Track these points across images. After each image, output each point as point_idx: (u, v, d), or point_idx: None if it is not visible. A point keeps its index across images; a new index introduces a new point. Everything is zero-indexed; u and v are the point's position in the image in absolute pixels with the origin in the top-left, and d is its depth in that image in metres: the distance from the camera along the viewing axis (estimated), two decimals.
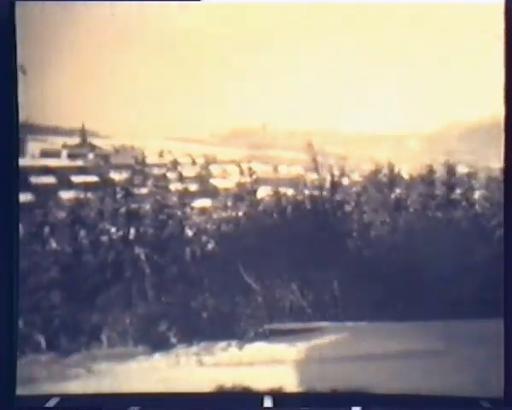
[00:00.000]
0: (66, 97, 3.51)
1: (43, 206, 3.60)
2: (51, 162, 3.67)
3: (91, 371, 3.53)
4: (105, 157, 3.63)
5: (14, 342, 3.55)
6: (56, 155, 3.70)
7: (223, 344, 3.59)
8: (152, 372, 3.57)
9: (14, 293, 3.57)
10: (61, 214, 3.62)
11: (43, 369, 3.49)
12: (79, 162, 3.71)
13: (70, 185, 3.67)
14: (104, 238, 3.59)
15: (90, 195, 3.63)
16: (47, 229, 3.59)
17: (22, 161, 3.65)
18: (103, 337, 3.56)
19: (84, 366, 3.55)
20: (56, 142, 3.68)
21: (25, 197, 3.62)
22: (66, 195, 3.65)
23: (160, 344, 3.59)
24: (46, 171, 3.64)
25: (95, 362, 3.54)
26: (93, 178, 3.67)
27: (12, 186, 3.60)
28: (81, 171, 3.70)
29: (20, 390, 3.48)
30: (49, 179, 3.63)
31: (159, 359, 3.58)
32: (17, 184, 3.59)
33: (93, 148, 3.68)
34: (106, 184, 3.62)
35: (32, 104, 3.57)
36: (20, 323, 3.49)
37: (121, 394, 3.61)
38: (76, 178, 3.69)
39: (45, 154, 3.65)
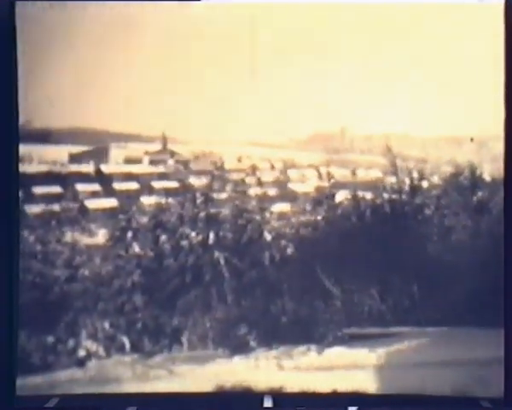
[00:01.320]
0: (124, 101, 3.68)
1: (127, 211, 3.78)
2: (134, 169, 3.86)
3: (173, 372, 3.66)
4: (185, 163, 3.80)
5: (14, 342, 3.64)
6: (138, 161, 3.89)
7: (302, 348, 3.68)
8: (231, 375, 3.67)
9: (13, 293, 3.66)
10: (143, 219, 3.79)
11: (128, 369, 3.64)
12: (160, 168, 3.88)
13: (151, 191, 3.84)
14: (184, 243, 3.74)
15: (170, 200, 3.80)
16: (130, 233, 3.77)
17: (106, 168, 3.84)
18: (184, 340, 3.70)
19: (166, 367, 3.67)
20: (138, 149, 3.86)
21: (109, 203, 3.80)
22: (147, 200, 3.82)
23: (239, 348, 3.70)
24: (129, 177, 3.82)
25: (176, 364, 3.66)
26: (173, 184, 3.84)
27: (12, 189, 3.69)
28: (162, 177, 3.87)
29: (108, 389, 3.64)
30: (132, 185, 3.82)
31: (238, 362, 3.69)
32: (17, 184, 3.68)
33: (173, 154, 3.85)
34: (186, 190, 3.77)
35: (32, 105, 3.66)
36: (106, 325, 3.66)
37: (119, 394, 3.68)
38: (157, 184, 3.86)
39: (128, 160, 3.83)
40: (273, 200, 3.83)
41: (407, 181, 3.72)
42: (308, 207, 3.80)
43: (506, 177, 3.67)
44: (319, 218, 3.78)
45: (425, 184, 3.70)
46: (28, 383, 3.52)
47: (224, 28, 3.61)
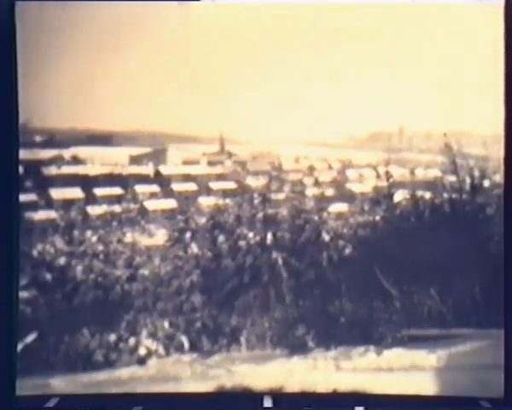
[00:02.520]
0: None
1: (185, 212, 3.91)
2: (192, 170, 3.99)
3: (231, 372, 3.77)
4: (242, 164, 3.91)
5: (14, 342, 3.71)
6: (196, 162, 4.02)
7: (361, 349, 3.73)
8: (290, 376, 3.75)
9: (13, 294, 3.74)
10: (202, 220, 3.91)
11: (187, 368, 3.76)
12: (218, 169, 4.01)
13: (209, 192, 3.97)
14: (242, 243, 3.84)
15: (228, 201, 3.91)
16: (188, 234, 3.90)
17: (164, 169, 3.99)
18: (242, 340, 3.80)
19: (224, 367, 3.78)
20: (196, 150, 3.99)
21: (168, 204, 3.94)
22: (205, 201, 3.95)
23: (297, 348, 3.78)
24: (187, 178, 3.95)
25: (234, 364, 3.76)
26: (231, 185, 3.96)
27: (12, 187, 3.75)
28: (220, 178, 3.99)
29: (171, 388, 3.77)
30: (190, 186, 3.95)
31: (297, 362, 3.76)
32: (17, 183, 3.76)
33: (231, 155, 3.96)
34: (243, 191, 3.88)
35: (32, 104, 3.73)
36: (166, 324, 3.79)
37: (124, 394, 3.74)
38: (215, 185, 3.98)
39: (186, 162, 3.97)
40: (331, 200, 3.90)
41: (468, 180, 3.73)
42: (366, 208, 3.86)
43: (506, 177, 3.68)
44: (377, 218, 3.83)
45: (486, 182, 3.71)
46: (92, 380, 3.65)
47: (284, 29, 3.71)
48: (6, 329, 3.70)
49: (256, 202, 3.84)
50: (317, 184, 3.90)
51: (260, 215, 3.84)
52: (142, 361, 3.70)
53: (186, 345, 3.76)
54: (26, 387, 3.57)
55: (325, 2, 3.66)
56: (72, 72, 3.70)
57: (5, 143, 3.71)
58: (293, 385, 3.70)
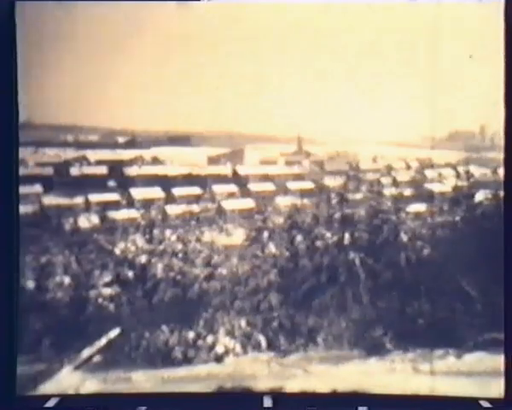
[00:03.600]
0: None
1: (263, 212, 4.01)
2: (269, 170, 4.09)
3: (308, 371, 3.83)
4: (320, 164, 3.98)
5: (14, 342, 3.73)
6: (274, 162, 4.12)
7: (440, 352, 3.72)
8: (367, 377, 3.78)
9: (13, 295, 3.76)
10: (279, 220, 4.01)
11: (264, 367, 3.84)
12: (295, 169, 4.10)
13: (287, 192, 4.06)
14: (319, 243, 3.91)
15: (305, 201, 3.99)
16: (266, 234, 4.00)
17: (242, 169, 4.11)
18: (319, 340, 3.86)
19: (301, 366, 3.85)
20: (274, 150, 4.09)
21: (245, 203, 4.06)
22: (283, 201, 4.04)
23: (375, 349, 3.80)
24: (265, 178, 4.06)
25: (311, 363, 3.83)
26: (309, 185, 4.04)
27: (12, 185, 3.75)
28: (297, 178, 4.08)
29: (247, 386, 3.87)
30: (268, 186, 4.05)
31: (374, 363, 3.79)
32: (17, 181, 3.76)
33: (308, 155, 4.04)
34: (321, 190, 3.95)
35: (32, 103, 3.77)
36: (243, 323, 3.90)
37: (128, 394, 3.76)
38: (292, 185, 4.07)
39: (264, 162, 4.07)
40: (409, 200, 3.92)
41: None
42: (445, 208, 3.86)
43: (506, 177, 3.66)
44: (457, 218, 3.83)
45: None
46: (171, 376, 3.78)
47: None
48: (6, 329, 3.76)
49: (333, 201, 3.90)
50: (394, 183, 3.93)
51: (338, 215, 3.90)
52: (219, 359, 3.79)
53: (263, 344, 3.83)
54: (109, 380, 3.71)
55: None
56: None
57: (5, 142, 3.76)
58: (371, 387, 3.68)
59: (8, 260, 3.67)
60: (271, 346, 3.85)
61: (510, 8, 3.56)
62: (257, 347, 3.84)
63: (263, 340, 3.85)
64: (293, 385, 3.79)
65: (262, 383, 3.77)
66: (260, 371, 3.80)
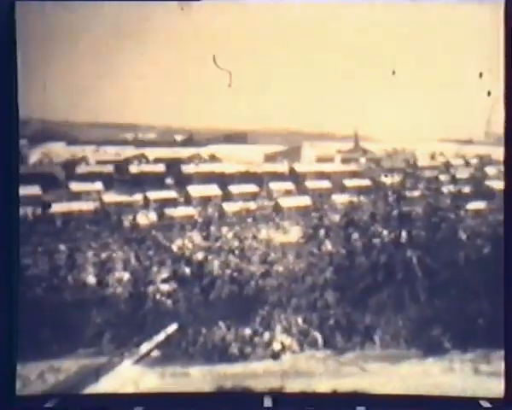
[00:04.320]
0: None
1: (319, 209, 4.06)
2: (326, 167, 4.13)
3: (365, 370, 3.86)
4: (377, 161, 4.00)
5: (14, 342, 3.74)
6: (330, 160, 4.16)
7: (501, 353, 3.70)
8: (424, 377, 3.78)
9: (13, 296, 3.78)
10: (335, 217, 4.04)
11: (320, 365, 3.89)
12: (352, 167, 4.13)
13: (343, 189, 4.09)
14: (376, 241, 3.93)
15: (362, 198, 4.02)
16: (322, 231, 4.04)
17: (299, 167, 4.16)
18: (376, 338, 3.88)
19: (358, 364, 3.88)
20: (331, 147, 4.13)
21: (302, 201, 4.11)
22: (339, 198, 4.08)
23: (433, 348, 3.80)
24: (321, 176, 4.10)
25: (368, 362, 3.85)
26: (365, 182, 4.06)
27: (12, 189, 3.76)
28: (354, 175, 4.11)
29: (304, 383, 3.92)
30: (324, 184, 4.09)
31: (432, 363, 3.79)
32: (17, 180, 3.78)
33: (365, 152, 4.07)
34: (378, 188, 3.97)
35: (33, 102, 3.79)
36: (299, 320, 3.95)
37: (126, 394, 3.77)
38: (349, 182, 4.10)
39: (320, 159, 4.12)
40: (468, 197, 3.91)
41: None
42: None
43: (506, 176, 3.67)
44: None
45: None
46: (228, 372, 3.86)
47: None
48: (6, 329, 3.80)
49: (390, 199, 3.92)
50: (453, 181, 3.92)
51: (395, 213, 3.91)
52: (276, 356, 3.85)
53: (320, 341, 3.88)
54: (167, 375, 3.81)
55: None
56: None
57: (5, 141, 3.80)
58: (428, 387, 3.69)
59: (8, 261, 3.74)
60: (328, 344, 3.87)
61: (510, 8, 3.57)
62: (313, 344, 3.87)
63: (319, 337, 3.88)
64: (350, 383, 3.78)
65: (319, 381, 3.78)
66: (317, 368, 3.83)
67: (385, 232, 3.87)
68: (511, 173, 3.63)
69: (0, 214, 3.69)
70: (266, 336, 3.86)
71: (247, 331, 3.87)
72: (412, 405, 3.63)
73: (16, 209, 3.71)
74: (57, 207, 3.92)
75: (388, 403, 3.64)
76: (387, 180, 3.90)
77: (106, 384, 3.70)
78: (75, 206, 3.94)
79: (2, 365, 3.67)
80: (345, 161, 4.06)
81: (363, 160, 4.00)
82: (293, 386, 3.82)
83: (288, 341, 3.88)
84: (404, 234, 3.84)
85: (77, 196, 3.94)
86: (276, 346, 3.85)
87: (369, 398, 3.67)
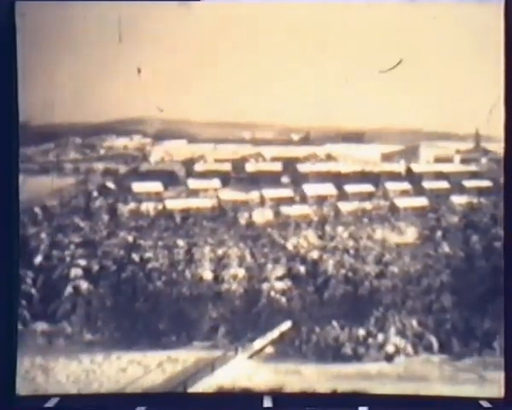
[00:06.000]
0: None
1: (436, 210, 4.06)
2: (444, 167, 4.12)
3: (483, 377, 3.82)
4: (498, 161, 3.94)
5: (14, 342, 3.76)
6: (449, 160, 4.15)
7: None
8: None
9: (13, 296, 3.80)
10: (453, 219, 4.03)
11: (436, 370, 3.88)
12: (472, 167, 4.09)
13: (462, 190, 4.07)
14: (497, 244, 3.88)
15: (482, 200, 3.98)
16: (439, 233, 4.03)
17: (416, 167, 4.17)
18: (496, 345, 3.83)
19: (476, 371, 3.84)
20: (449, 147, 4.12)
21: (419, 202, 4.12)
22: (458, 199, 4.06)
23: None
24: (439, 176, 4.10)
25: (487, 369, 3.81)
26: (486, 183, 4.02)
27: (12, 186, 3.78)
28: (474, 176, 4.08)
29: (419, 388, 3.92)
30: (443, 184, 4.08)
31: None
32: (17, 182, 3.81)
33: (486, 152, 4.02)
34: (499, 189, 3.91)
35: (32, 103, 3.80)
36: (414, 323, 3.96)
37: (128, 394, 3.76)
38: (468, 183, 4.08)
39: (439, 159, 4.11)
40: None
41: None
42: None
43: (506, 176, 3.63)
44: None
45: None
46: (341, 372, 3.93)
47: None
48: (6, 330, 3.85)
49: None
50: None
51: None
52: (389, 358, 3.89)
53: (435, 345, 3.88)
54: (280, 372, 3.93)
55: None
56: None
57: (4, 141, 3.85)
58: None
59: (8, 262, 3.82)
60: (443, 348, 3.87)
61: (510, 8, 3.56)
62: (428, 348, 3.88)
63: (435, 341, 3.88)
64: (470, 390, 3.75)
65: (434, 386, 3.79)
66: (431, 373, 3.83)
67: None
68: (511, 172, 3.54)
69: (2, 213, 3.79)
70: (380, 337, 3.90)
71: (361, 332, 3.92)
72: (412, 405, 3.66)
73: (16, 209, 3.84)
74: (176, 204, 4.11)
75: (388, 403, 3.66)
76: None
77: (220, 377, 3.80)
78: (193, 202, 4.11)
79: (2, 365, 3.77)
80: (464, 161, 4.03)
81: (484, 160, 3.96)
82: (407, 390, 3.79)
83: (402, 343, 3.89)
84: None
85: (195, 193, 4.12)
86: (390, 348, 3.88)
87: (370, 398, 3.69)
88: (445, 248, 3.93)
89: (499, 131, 3.82)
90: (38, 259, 3.91)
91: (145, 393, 3.80)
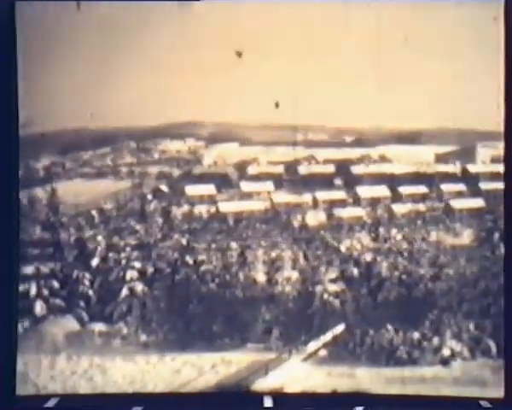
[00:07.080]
0: None
1: (493, 212, 4.03)
2: (502, 168, 4.09)
3: None
4: None
5: (14, 342, 3.77)
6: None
7: None
8: None
9: (13, 296, 3.82)
10: None
11: (494, 374, 3.85)
12: None
13: None
14: None
15: None
16: (497, 235, 4.01)
17: (472, 168, 4.15)
18: None
19: None
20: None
21: (475, 203, 4.11)
22: None
23: None
24: (496, 177, 4.07)
25: None
26: None
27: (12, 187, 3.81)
28: None
29: (475, 392, 3.90)
30: (500, 185, 4.05)
31: None
32: (17, 183, 3.83)
33: None
34: None
35: (32, 103, 3.81)
36: (471, 326, 3.94)
37: (124, 394, 3.75)
38: None
39: (495, 160, 4.08)
40: None
41: None
42: None
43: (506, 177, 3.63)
44: None
45: None
46: (395, 375, 3.94)
47: None
48: (6, 330, 3.88)
49: None
50: None
51: None
52: (445, 362, 3.88)
53: (493, 350, 3.85)
54: (334, 374, 3.96)
55: None
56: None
57: (5, 142, 3.88)
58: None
59: (8, 262, 3.86)
60: (502, 352, 3.83)
61: (510, 8, 3.55)
62: (486, 352, 3.85)
63: (493, 345, 3.86)
64: None
65: (491, 391, 3.76)
66: (489, 377, 3.81)
67: None
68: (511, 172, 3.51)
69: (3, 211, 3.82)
70: (435, 341, 3.90)
71: (416, 335, 3.92)
72: (412, 405, 3.65)
73: (16, 210, 3.89)
74: (229, 207, 4.18)
75: (388, 403, 3.66)
76: None
77: (274, 380, 3.86)
78: (246, 205, 4.17)
79: (2, 365, 3.81)
80: None
81: None
82: (464, 393, 3.78)
83: (458, 347, 3.88)
84: None
85: (248, 196, 4.19)
86: (446, 351, 3.87)
87: (369, 398, 3.69)
88: (503, 250, 3.89)
89: None
90: (95, 261, 4.00)
91: (142, 393, 3.84)
